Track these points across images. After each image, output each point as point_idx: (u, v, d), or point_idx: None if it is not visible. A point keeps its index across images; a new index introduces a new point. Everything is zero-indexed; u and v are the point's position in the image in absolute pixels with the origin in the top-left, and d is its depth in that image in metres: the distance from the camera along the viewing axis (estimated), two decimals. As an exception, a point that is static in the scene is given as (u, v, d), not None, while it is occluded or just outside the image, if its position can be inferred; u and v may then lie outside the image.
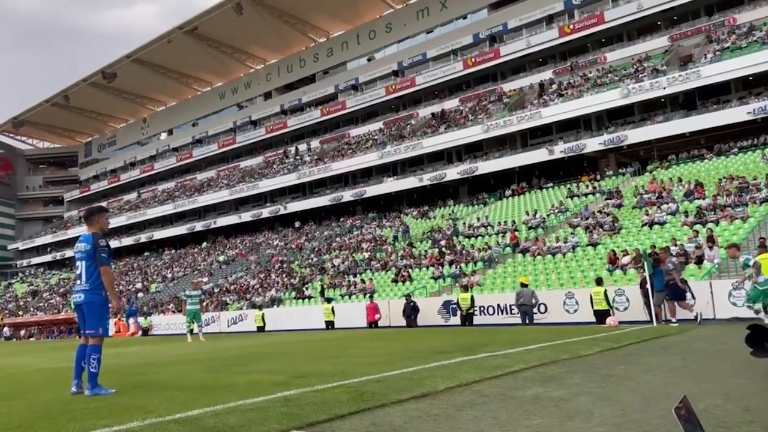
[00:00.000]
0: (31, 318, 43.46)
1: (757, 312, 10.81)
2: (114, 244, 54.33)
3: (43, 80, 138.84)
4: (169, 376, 7.23)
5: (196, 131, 61.45)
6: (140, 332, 30.39)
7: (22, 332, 41.05)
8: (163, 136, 65.76)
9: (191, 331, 19.11)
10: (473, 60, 41.62)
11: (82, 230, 6.23)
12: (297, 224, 43.36)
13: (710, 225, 18.56)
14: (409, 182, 37.61)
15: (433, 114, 42.31)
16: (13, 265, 70.38)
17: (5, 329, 41.72)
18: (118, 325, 32.92)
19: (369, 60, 49.55)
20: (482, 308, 19.19)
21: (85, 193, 70.51)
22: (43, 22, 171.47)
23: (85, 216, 5.96)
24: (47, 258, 63.95)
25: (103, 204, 66.36)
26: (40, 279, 59.19)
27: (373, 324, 21.31)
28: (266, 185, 46.12)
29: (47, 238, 65.84)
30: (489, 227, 27.27)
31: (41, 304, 47.10)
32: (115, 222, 57.14)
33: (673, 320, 13.32)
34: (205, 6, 49.59)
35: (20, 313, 46.64)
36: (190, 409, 4.14)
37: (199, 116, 61.80)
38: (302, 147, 49.96)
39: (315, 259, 33.16)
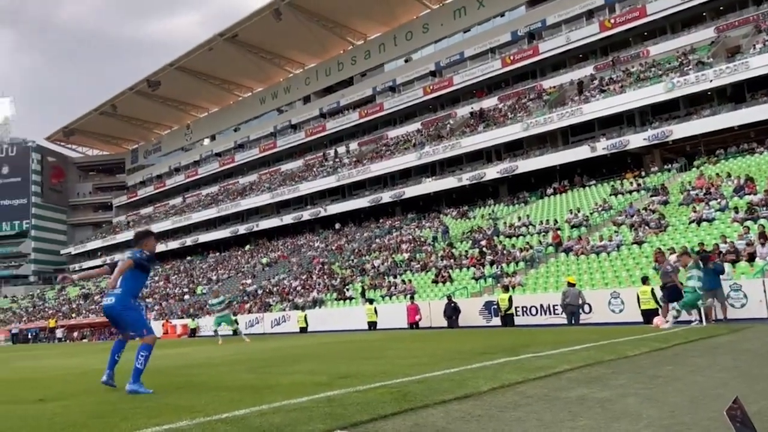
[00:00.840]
0: (84, 320, 44.89)
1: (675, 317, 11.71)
2: (160, 247, 55.68)
3: (91, 90, 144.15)
4: (216, 377, 7.39)
5: (238, 136, 62.61)
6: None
7: (75, 334, 42.44)
8: (207, 141, 67.20)
9: (234, 332, 19.73)
10: (512, 58, 41.20)
11: (131, 235, 6.53)
12: (337, 226, 43.69)
13: (762, 221, 17.90)
14: (448, 182, 37.45)
15: (471, 113, 42.04)
16: (66, 269, 72.93)
17: (59, 331, 43.26)
18: (166, 326, 33.85)
19: (406, 61, 49.57)
20: (524, 309, 18.98)
21: (133, 199, 72.59)
22: (90, 34, 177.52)
23: (134, 239, 6.24)
24: (98, 262, 65.99)
25: (150, 209, 68.39)
26: (91, 282, 61.13)
27: (414, 325, 21.32)
28: (306, 188, 46.61)
29: (97, 243, 68.04)
30: (530, 226, 26.93)
31: (93, 307, 48.65)
32: (161, 226, 58.73)
33: (711, 319, 12.89)
34: (244, 13, 50.53)
35: (73, 315, 48.28)
36: (237, 409, 4.22)
37: (240, 121, 62.96)
38: (341, 149, 50.32)
39: (355, 261, 33.35)
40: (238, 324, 20.25)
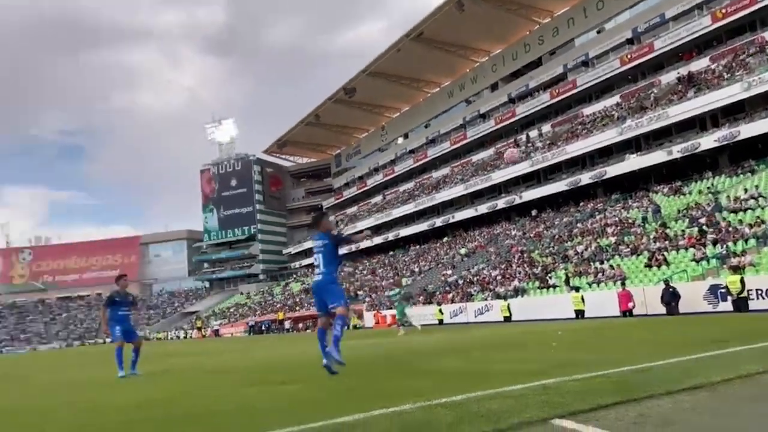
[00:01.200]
0: (306, 312, 49.53)
1: None
2: (366, 243, 59.50)
3: (295, 103, 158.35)
4: (428, 363, 7.75)
5: (429, 132, 64.22)
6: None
7: (300, 325, 47.04)
8: (400, 140, 69.97)
9: (409, 324, 20.45)
10: (724, 11, 36.42)
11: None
12: (534, 212, 42.62)
13: None
14: (656, 157, 34.31)
15: (678, 78, 38.05)
16: (288, 267, 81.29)
17: (287, 322, 48.38)
18: (377, 316, 36.02)
19: (598, 32, 46.50)
20: (760, 292, 16.81)
21: (339, 200, 78.32)
22: (290, 52, 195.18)
23: (312, 222, 7.43)
24: (313, 259, 72.38)
25: (354, 208, 73.20)
26: (309, 278, 67.33)
27: (627, 312, 20.07)
28: (499, 176, 46.16)
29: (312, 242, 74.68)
30: (760, 198, 23.69)
31: (313, 300, 53.49)
32: (365, 224, 62.58)
33: None
34: (428, 10, 51.56)
35: (297, 308, 53.61)
36: (454, 395, 4.40)
37: (430, 117, 64.50)
38: (533, 133, 48.92)
39: (556, 247, 32.26)
40: (406, 319, 20.98)
